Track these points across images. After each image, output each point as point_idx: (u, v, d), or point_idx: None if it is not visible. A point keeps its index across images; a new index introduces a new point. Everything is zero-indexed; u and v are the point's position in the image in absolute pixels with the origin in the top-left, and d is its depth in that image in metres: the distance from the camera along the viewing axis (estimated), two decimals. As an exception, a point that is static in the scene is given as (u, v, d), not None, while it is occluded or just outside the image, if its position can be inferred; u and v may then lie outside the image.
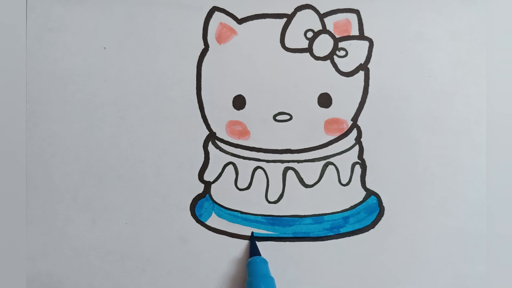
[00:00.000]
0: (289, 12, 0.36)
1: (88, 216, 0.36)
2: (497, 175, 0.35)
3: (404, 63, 0.36)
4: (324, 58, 0.36)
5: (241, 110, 0.36)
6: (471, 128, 0.36)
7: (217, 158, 0.36)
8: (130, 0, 0.36)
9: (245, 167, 0.36)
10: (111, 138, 0.36)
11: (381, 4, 0.36)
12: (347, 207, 0.36)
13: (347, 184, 0.36)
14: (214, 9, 0.36)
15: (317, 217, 0.36)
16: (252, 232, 0.36)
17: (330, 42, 0.36)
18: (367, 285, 0.36)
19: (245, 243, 0.36)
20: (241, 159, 0.36)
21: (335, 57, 0.36)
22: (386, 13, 0.36)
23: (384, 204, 0.36)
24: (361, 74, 0.36)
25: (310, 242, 0.36)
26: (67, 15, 0.36)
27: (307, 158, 0.36)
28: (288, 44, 0.36)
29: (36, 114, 0.36)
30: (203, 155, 0.36)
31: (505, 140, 0.34)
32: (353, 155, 0.36)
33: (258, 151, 0.36)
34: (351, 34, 0.36)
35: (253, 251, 0.35)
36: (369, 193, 0.36)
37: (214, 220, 0.36)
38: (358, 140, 0.36)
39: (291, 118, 0.36)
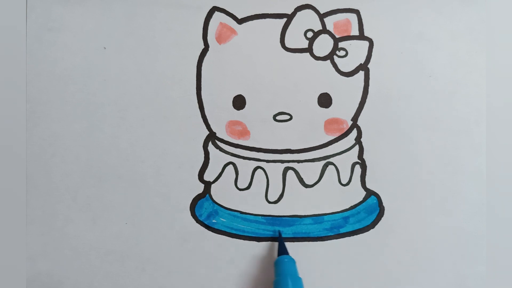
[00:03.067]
0: (289, 12, 0.36)
1: (88, 216, 0.36)
2: (497, 175, 0.35)
3: (404, 63, 0.36)
4: (324, 58, 0.36)
5: (241, 110, 0.36)
6: (471, 128, 0.36)
7: (217, 158, 0.36)
8: (130, 0, 0.36)
9: (245, 167, 0.36)
10: (111, 138, 0.36)
11: (381, 4, 0.36)
12: (347, 207, 0.36)
13: (347, 184, 0.36)
14: (214, 9, 0.36)
15: (317, 217, 0.36)
16: (279, 231, 0.35)
17: (330, 42, 0.36)
18: (367, 285, 0.36)
19: (245, 243, 0.36)
20: (241, 159, 0.36)
21: (335, 57, 0.36)
22: (386, 13, 0.36)
23: (384, 204, 0.36)
24: (361, 74, 0.36)
25: (310, 242, 0.36)
26: (67, 15, 0.36)
27: (307, 158, 0.36)
28: (288, 44, 0.36)
29: (36, 114, 0.36)
30: (203, 155, 0.36)
31: (505, 140, 0.34)
32: (353, 155, 0.36)
33: (258, 151, 0.36)
34: (351, 34, 0.36)
35: (281, 250, 0.34)
36: (369, 193, 0.36)
37: (214, 220, 0.36)
38: (358, 140, 0.36)
39: (291, 118, 0.36)
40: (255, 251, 0.36)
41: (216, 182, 0.36)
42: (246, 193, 0.36)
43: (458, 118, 0.36)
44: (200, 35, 0.36)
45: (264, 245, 0.36)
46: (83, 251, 0.35)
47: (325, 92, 0.36)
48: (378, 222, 0.36)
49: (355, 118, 0.36)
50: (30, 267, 0.35)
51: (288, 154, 0.36)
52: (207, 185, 0.36)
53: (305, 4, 0.36)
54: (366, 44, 0.36)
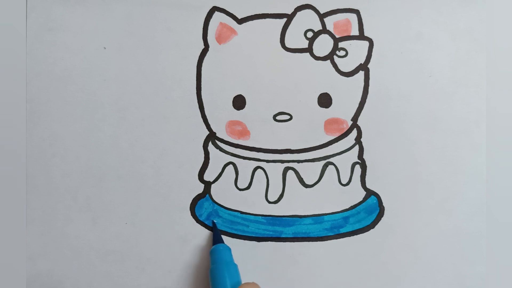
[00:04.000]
0: (289, 12, 0.36)
1: (88, 216, 0.36)
2: (497, 175, 0.34)
3: (404, 63, 0.36)
4: (324, 58, 0.36)
5: (241, 110, 0.36)
6: (471, 128, 0.36)
7: (217, 158, 0.36)
8: (130, 0, 0.36)
9: (245, 167, 0.36)
10: (111, 138, 0.36)
11: (381, 4, 0.36)
12: (347, 207, 0.36)
13: (347, 184, 0.36)
14: (214, 9, 0.36)
15: (317, 217, 0.36)
16: (213, 220, 0.35)
17: (330, 42, 0.36)
18: (367, 285, 0.36)
19: (245, 243, 0.36)
20: (241, 159, 0.36)
21: (335, 57, 0.36)
22: (386, 13, 0.36)
23: (384, 204, 0.36)
24: (361, 74, 0.36)
25: (310, 242, 0.36)
26: (67, 15, 0.36)
27: (307, 158, 0.36)
28: (288, 44, 0.36)
29: (36, 114, 0.36)
30: (203, 155, 0.36)
31: (505, 140, 0.34)
32: (353, 155, 0.36)
33: (258, 151, 0.36)
34: (351, 34, 0.36)
35: (216, 239, 0.35)
36: (369, 193, 0.36)
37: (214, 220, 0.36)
38: (358, 140, 0.36)
39: (291, 118, 0.36)
40: (255, 251, 0.36)
41: (216, 182, 0.36)
42: (246, 193, 0.36)
43: (458, 118, 0.36)
44: (200, 35, 0.36)
45: (264, 245, 0.36)
46: (83, 251, 0.35)
47: (325, 92, 0.36)
48: (378, 222, 0.36)
49: (355, 118, 0.36)
50: (30, 267, 0.35)
51: (288, 154, 0.36)
52: (207, 185, 0.36)
53: (305, 4, 0.36)
54: (366, 44, 0.36)
